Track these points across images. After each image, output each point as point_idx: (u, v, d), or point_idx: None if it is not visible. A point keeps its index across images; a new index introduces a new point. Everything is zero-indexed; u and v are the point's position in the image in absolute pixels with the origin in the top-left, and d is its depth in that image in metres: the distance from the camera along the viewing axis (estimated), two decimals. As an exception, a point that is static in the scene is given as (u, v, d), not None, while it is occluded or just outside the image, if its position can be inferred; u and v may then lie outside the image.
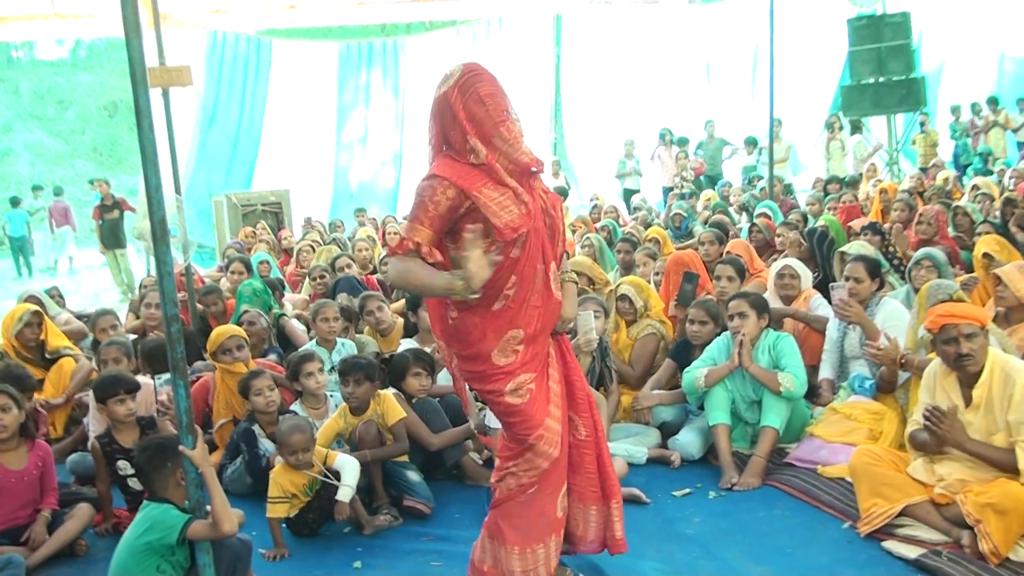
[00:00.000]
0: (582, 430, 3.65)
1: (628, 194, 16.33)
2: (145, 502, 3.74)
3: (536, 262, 3.38)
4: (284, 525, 4.56)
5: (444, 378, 5.65)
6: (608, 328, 6.00)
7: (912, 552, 4.04)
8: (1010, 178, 11.55)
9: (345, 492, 4.42)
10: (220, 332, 5.74)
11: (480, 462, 5.28)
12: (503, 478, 3.57)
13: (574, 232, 10.98)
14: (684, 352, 5.73)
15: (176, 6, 15.07)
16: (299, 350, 5.93)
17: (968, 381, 4.18)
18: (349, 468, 4.48)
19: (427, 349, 5.50)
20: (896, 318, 5.42)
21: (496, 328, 3.38)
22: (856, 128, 16.57)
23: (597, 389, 5.64)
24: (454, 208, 3.24)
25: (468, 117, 3.22)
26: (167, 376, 4.77)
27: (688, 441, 5.39)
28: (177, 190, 6.89)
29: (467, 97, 3.23)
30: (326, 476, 4.44)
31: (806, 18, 17.68)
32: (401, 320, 6.95)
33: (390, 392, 5.09)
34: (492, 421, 4.54)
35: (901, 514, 4.25)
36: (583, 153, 19.67)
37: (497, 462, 3.64)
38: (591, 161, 19.10)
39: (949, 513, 4.14)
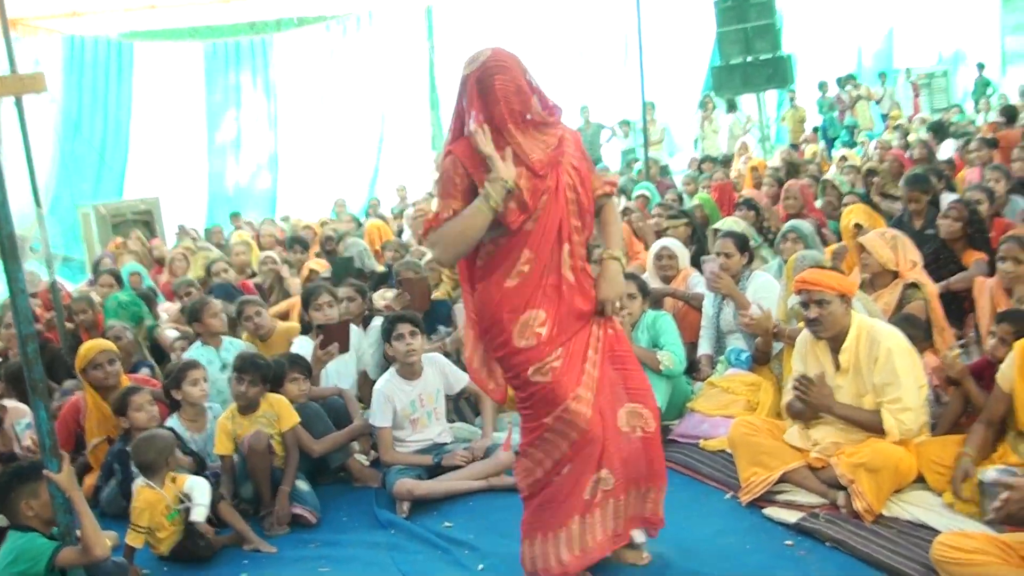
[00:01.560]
0: (651, 421, 3.60)
1: None
2: (10, 532, 3.61)
3: (552, 238, 3.40)
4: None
5: (327, 379, 5.61)
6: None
7: (792, 516, 4.18)
8: (875, 149, 11.97)
9: (199, 512, 4.31)
10: (89, 347, 5.55)
11: (367, 463, 5.25)
12: (531, 472, 3.55)
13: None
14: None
15: (28, 10, 14.53)
16: (182, 357, 5.80)
17: (835, 346, 4.34)
18: (199, 489, 4.38)
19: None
20: (767, 290, 5.59)
21: (512, 307, 3.40)
22: (732, 107, 16.98)
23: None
24: (470, 183, 3.39)
25: (480, 108, 3.36)
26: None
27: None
28: (37, 202, 6.64)
29: (483, 88, 3.34)
30: (181, 500, 4.33)
31: (674, 1, 18.04)
32: (282, 324, 6.85)
33: (283, 397, 5.01)
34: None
35: (780, 481, 4.39)
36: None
37: (518, 463, 3.65)
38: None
39: (825, 476, 4.30)
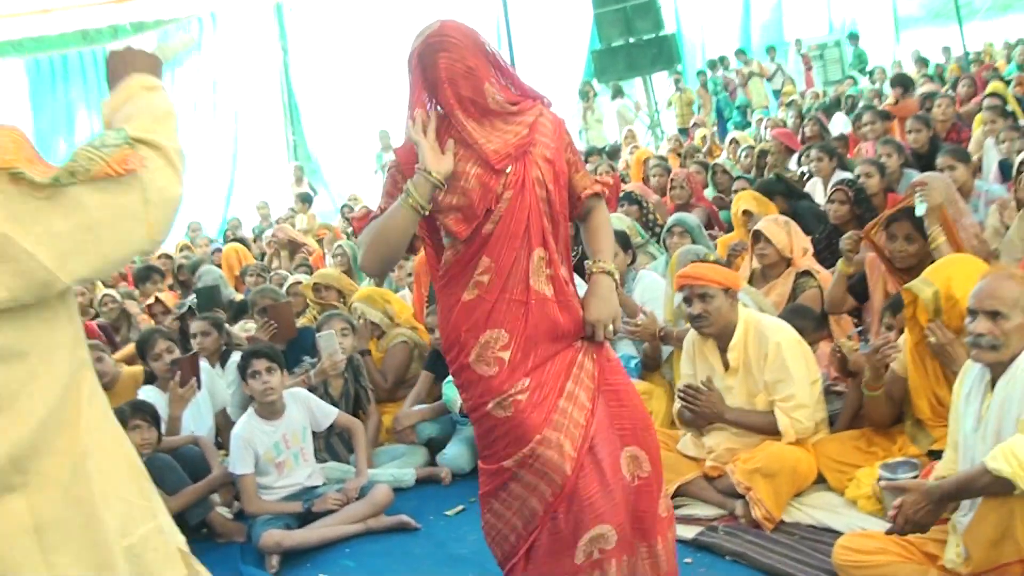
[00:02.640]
0: (645, 465, 3.19)
1: None
2: None
3: (516, 243, 3.03)
4: None
5: (187, 425, 5.51)
6: (356, 344, 5.98)
7: (690, 532, 4.23)
8: (766, 127, 12.19)
9: None
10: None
11: (230, 516, 5.16)
12: (502, 537, 3.17)
13: (320, 241, 10.90)
14: (439, 360, 5.78)
15: None
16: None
17: (723, 345, 4.44)
18: None
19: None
20: (654, 290, 5.66)
21: (471, 325, 3.06)
22: (618, 92, 17.17)
23: (355, 413, 5.65)
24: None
25: (423, 89, 3.06)
26: None
27: (457, 454, 5.44)
28: None
29: (425, 66, 3.02)
30: None
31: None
32: (128, 369, 6.68)
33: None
34: None
35: (676, 495, 4.44)
36: (331, 151, 19.47)
37: (483, 518, 3.23)
38: (342, 159, 18.95)
39: (722, 485, 4.38)
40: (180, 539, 2.16)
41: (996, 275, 3.20)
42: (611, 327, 3.13)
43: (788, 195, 7.32)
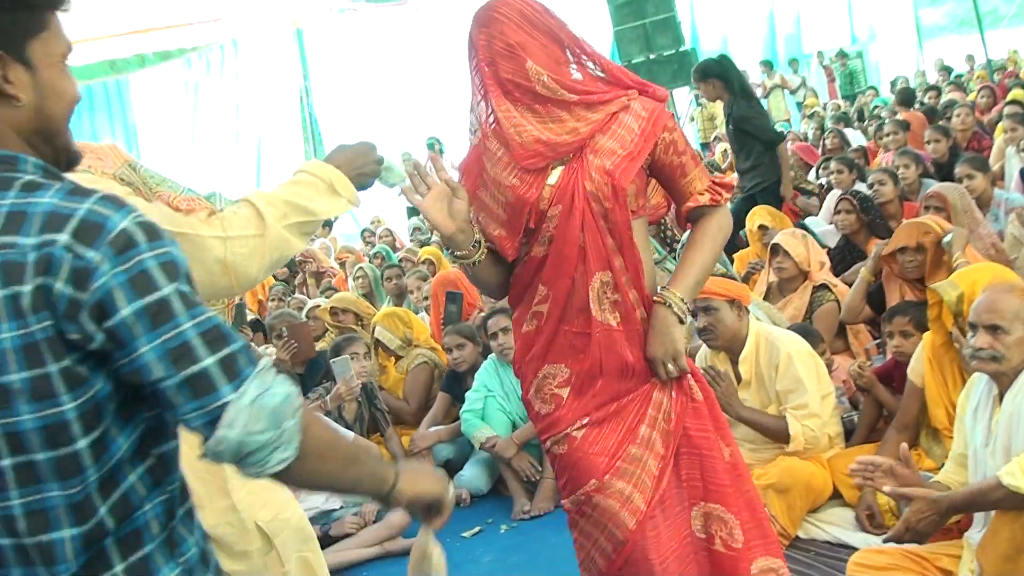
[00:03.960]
0: (737, 534, 2.70)
1: (413, 211, 16.34)
2: None
3: (571, 267, 2.64)
4: None
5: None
6: (373, 368, 5.98)
7: (705, 550, 4.21)
8: (789, 140, 12.15)
9: None
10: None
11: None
12: (590, 562, 2.78)
13: (342, 264, 10.93)
14: (455, 381, 5.77)
15: None
16: None
17: (734, 358, 4.41)
18: None
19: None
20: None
21: (531, 358, 2.76)
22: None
23: (370, 436, 5.64)
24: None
25: (473, 71, 2.67)
26: None
27: (474, 475, 5.43)
28: None
29: (470, 46, 2.65)
30: None
31: (561, 5, 18.20)
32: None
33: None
34: None
35: (692, 512, 4.42)
36: (352, 174, 19.52)
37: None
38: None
39: (737, 502, 4.34)
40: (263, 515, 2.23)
41: (996, 288, 3.16)
42: (671, 366, 2.64)
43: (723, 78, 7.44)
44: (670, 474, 2.70)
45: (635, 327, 2.66)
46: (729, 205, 2.95)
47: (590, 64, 2.63)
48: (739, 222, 6.80)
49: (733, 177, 2.69)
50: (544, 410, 2.76)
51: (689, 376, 2.73)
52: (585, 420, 2.71)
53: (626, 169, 2.58)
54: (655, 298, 2.65)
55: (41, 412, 1.38)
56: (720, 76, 7.59)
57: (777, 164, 7.49)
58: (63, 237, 1.36)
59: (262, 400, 1.43)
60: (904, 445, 3.23)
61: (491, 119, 2.65)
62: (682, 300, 2.63)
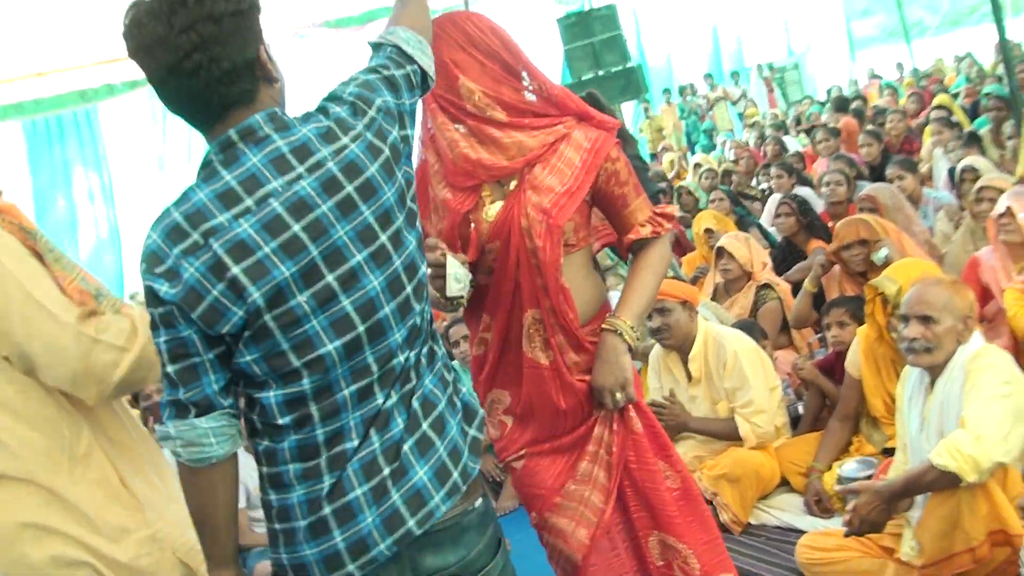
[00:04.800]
0: (692, 562, 2.62)
1: None
2: None
3: (508, 301, 2.54)
4: None
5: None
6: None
7: (662, 540, 4.22)
8: (730, 149, 12.27)
9: None
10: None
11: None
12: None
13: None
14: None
15: None
16: None
17: (685, 357, 4.43)
18: None
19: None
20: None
21: (482, 380, 2.69)
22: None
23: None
24: None
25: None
26: None
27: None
28: None
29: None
30: None
31: (515, 25, 18.26)
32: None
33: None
34: None
35: (648, 504, 4.44)
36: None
37: None
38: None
39: (692, 493, 4.36)
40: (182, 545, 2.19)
41: (925, 282, 3.20)
42: (619, 395, 2.51)
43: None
44: (614, 506, 2.61)
45: (561, 371, 2.53)
46: None
47: (534, 85, 2.51)
48: None
49: (674, 207, 2.48)
50: (493, 434, 2.69)
51: (630, 407, 2.61)
52: (523, 452, 2.64)
53: (565, 206, 2.45)
54: (604, 326, 2.53)
55: None
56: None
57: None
58: None
59: None
60: None
61: (431, 131, 2.56)
62: (632, 328, 2.52)
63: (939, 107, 8.99)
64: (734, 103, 18.06)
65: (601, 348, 2.53)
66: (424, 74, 2.02)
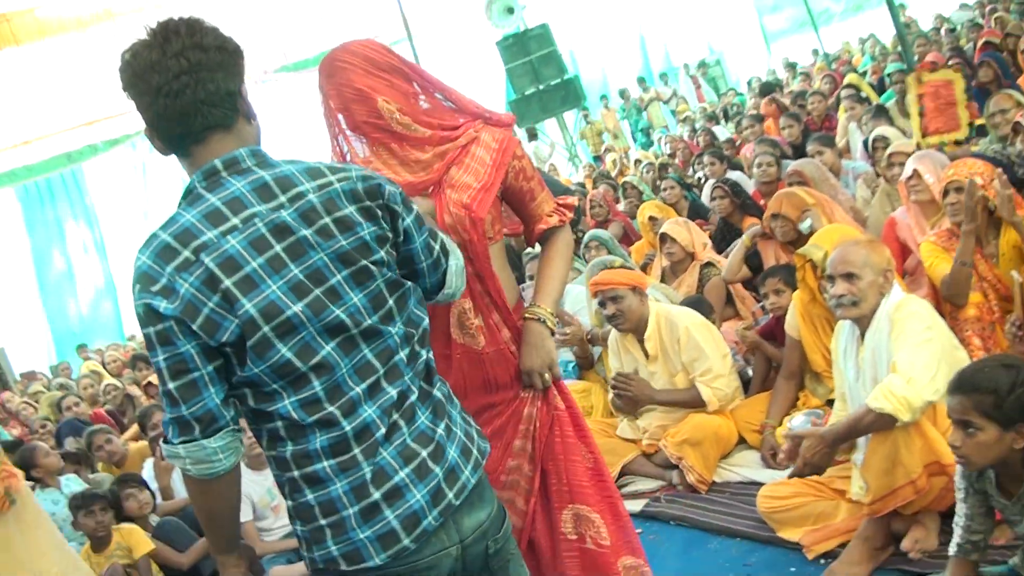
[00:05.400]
0: (604, 532, 2.58)
1: None
2: None
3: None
4: None
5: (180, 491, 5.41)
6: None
7: (637, 505, 4.23)
8: (666, 143, 12.31)
9: None
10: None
11: (238, 560, 5.05)
12: None
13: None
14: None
15: None
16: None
17: (641, 337, 4.44)
18: None
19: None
20: (580, 301, 5.65)
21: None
22: (532, 135, 17.27)
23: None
24: None
25: (329, 117, 2.48)
26: None
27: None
28: None
29: (322, 97, 2.46)
30: None
31: (458, 50, 18.26)
32: (134, 445, 6.58)
33: (135, 525, 4.78)
34: None
35: (621, 474, 4.45)
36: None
37: None
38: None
39: (658, 459, 4.38)
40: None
41: (845, 243, 3.23)
42: (547, 375, 2.53)
43: None
44: (539, 477, 2.60)
45: (500, 347, 2.52)
46: None
47: (438, 95, 2.48)
48: None
49: (574, 197, 2.45)
50: None
51: (554, 386, 2.60)
52: None
53: (482, 200, 2.43)
54: (526, 314, 2.52)
55: None
56: None
57: None
58: None
59: None
60: None
61: (345, 157, 2.48)
62: (551, 313, 2.52)
63: (849, 86, 9.04)
64: (666, 102, 18.11)
65: (527, 334, 2.53)
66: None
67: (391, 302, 1.86)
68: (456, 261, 2.10)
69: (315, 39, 17.07)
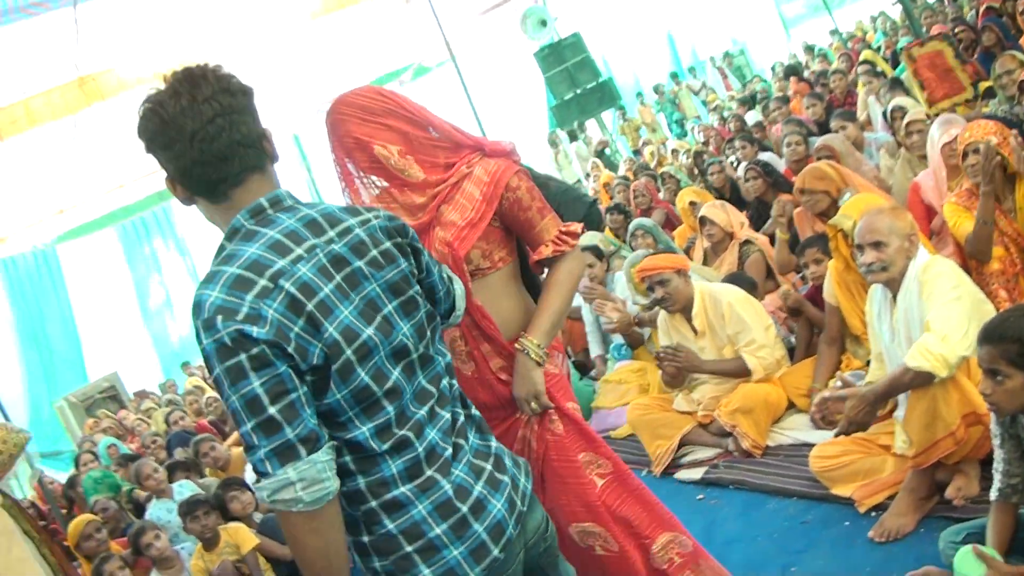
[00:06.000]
0: (611, 541, 2.53)
1: None
2: None
3: None
4: None
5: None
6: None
7: (697, 473, 4.19)
8: (699, 132, 12.13)
9: None
10: (75, 524, 5.41)
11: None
12: None
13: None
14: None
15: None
16: (134, 524, 5.58)
17: (687, 316, 4.38)
18: None
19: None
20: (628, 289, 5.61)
21: None
22: (572, 136, 17.17)
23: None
24: None
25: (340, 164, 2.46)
26: None
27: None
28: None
29: (335, 152, 2.43)
30: None
31: (497, 66, 18.23)
32: (236, 450, 6.69)
33: (240, 524, 4.85)
34: None
35: (680, 445, 4.40)
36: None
37: None
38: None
39: (714, 429, 4.32)
40: None
41: (870, 212, 3.14)
42: (533, 404, 2.42)
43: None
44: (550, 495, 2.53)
45: (486, 375, 2.44)
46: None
47: (432, 132, 2.39)
48: None
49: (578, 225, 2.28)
50: None
51: (551, 412, 2.48)
52: None
53: (466, 237, 2.35)
54: (516, 346, 2.40)
55: None
56: None
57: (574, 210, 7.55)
58: None
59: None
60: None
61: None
62: (539, 346, 2.38)
63: (865, 62, 8.83)
64: (696, 93, 17.88)
65: (516, 365, 2.42)
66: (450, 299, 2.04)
67: (429, 332, 1.81)
68: (459, 286, 2.08)
69: (365, 70, 17.18)
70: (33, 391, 15.70)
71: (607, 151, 16.45)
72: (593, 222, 7.61)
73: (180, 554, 4.96)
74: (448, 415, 1.79)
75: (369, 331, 1.64)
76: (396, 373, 1.68)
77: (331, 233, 1.68)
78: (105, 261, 16.49)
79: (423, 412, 1.72)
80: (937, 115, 5.15)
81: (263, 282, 1.56)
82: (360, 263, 1.68)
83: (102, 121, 13.51)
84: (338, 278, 1.64)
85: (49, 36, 10.81)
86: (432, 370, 1.79)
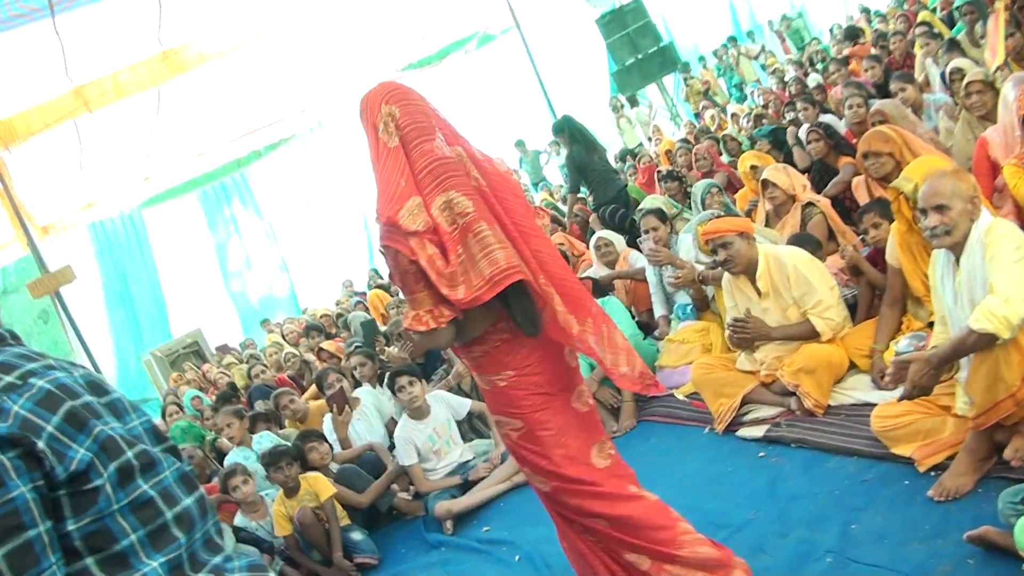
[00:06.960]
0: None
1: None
2: None
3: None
4: None
5: (359, 438, 5.61)
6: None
7: (759, 431, 4.17)
8: (758, 96, 11.90)
9: None
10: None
11: (410, 498, 5.21)
12: None
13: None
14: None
15: (56, 214, 14.94)
16: (223, 467, 5.78)
17: (752, 278, 4.34)
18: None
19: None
20: (691, 248, 5.56)
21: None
22: (633, 102, 16.94)
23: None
24: None
25: None
26: None
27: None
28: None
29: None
30: None
31: (559, 33, 18.04)
32: (314, 403, 6.85)
33: (318, 473, 4.99)
34: None
35: (743, 404, 4.38)
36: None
37: None
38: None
39: (777, 388, 4.29)
40: None
41: (933, 176, 3.07)
42: None
43: (565, 132, 7.74)
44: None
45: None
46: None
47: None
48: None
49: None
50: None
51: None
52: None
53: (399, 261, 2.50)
54: None
55: None
56: (562, 131, 7.85)
57: (605, 190, 7.67)
58: None
59: None
60: None
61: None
62: None
63: (922, 23, 8.55)
64: (755, 57, 17.48)
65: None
66: None
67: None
68: None
69: (432, 39, 17.14)
70: (120, 346, 16.23)
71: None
72: (623, 202, 7.70)
73: (264, 501, 5.13)
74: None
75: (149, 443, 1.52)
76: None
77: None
78: (188, 224, 16.89)
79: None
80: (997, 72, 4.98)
81: (10, 379, 1.38)
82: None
83: (184, 92, 13.77)
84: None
85: (134, 14, 11.01)
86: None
